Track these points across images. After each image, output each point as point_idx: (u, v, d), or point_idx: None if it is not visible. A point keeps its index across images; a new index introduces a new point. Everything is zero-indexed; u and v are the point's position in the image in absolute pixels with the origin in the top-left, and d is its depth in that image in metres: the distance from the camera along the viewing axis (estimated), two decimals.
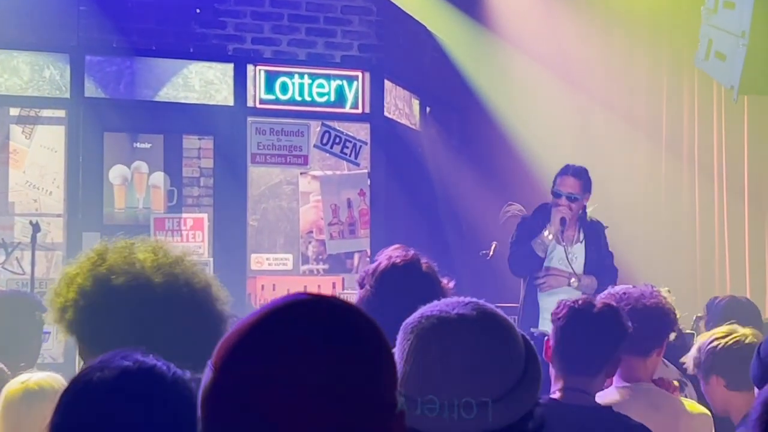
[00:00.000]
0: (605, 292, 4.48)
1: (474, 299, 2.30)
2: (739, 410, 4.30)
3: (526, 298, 7.73)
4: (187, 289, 3.06)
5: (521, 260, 7.70)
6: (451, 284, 4.08)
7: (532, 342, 2.31)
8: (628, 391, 4.27)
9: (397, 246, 4.21)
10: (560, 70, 10.59)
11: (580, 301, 3.89)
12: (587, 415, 3.69)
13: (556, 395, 3.76)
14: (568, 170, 7.73)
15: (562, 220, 7.58)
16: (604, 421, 3.69)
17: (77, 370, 2.67)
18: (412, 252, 4.09)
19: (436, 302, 2.23)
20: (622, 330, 3.87)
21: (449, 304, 2.24)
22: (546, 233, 7.65)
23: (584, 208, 7.78)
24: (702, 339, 4.56)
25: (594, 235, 7.78)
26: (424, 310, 2.19)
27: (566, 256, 7.63)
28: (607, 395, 4.15)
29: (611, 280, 7.58)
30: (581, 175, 7.71)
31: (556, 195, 7.64)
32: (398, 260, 4.01)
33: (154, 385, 2.33)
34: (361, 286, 4.06)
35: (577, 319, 3.81)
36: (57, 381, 3.94)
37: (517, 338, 2.24)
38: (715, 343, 4.42)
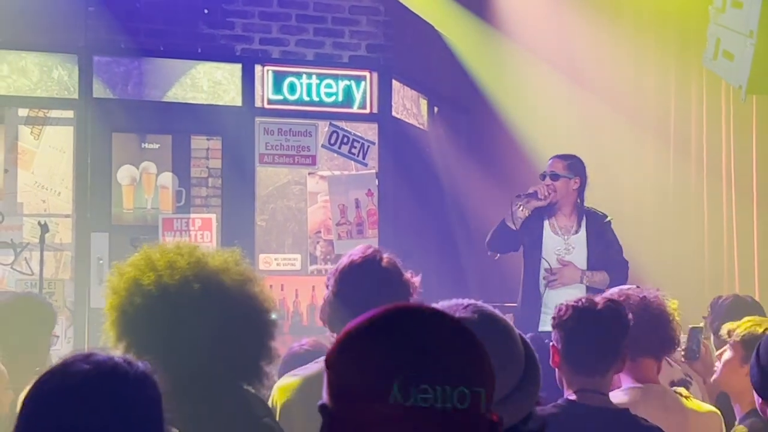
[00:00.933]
0: (607, 293, 4.48)
1: (473, 301, 2.31)
2: (750, 401, 4.29)
3: (525, 296, 7.74)
4: (255, 301, 3.19)
5: (495, 233, 7.88)
6: (416, 279, 4.14)
7: (530, 344, 2.32)
8: (639, 392, 4.27)
9: (366, 245, 4.27)
10: (568, 70, 10.58)
11: (582, 301, 3.88)
12: (605, 416, 3.69)
13: (573, 397, 3.75)
14: (556, 156, 7.98)
15: (533, 193, 7.73)
16: (621, 423, 3.69)
17: None
18: (372, 249, 4.17)
19: (437, 305, 2.23)
20: (626, 325, 3.87)
21: (450, 307, 2.25)
22: (519, 207, 7.74)
23: (580, 195, 7.81)
24: (758, 323, 4.54)
25: (596, 226, 7.80)
26: None
27: (562, 247, 7.70)
28: (618, 396, 4.15)
29: (622, 275, 7.62)
30: (567, 157, 7.91)
31: (542, 177, 7.83)
32: (357, 258, 4.10)
33: (116, 386, 2.33)
34: (327, 288, 4.15)
35: (583, 320, 3.80)
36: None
37: (517, 340, 2.25)
38: (751, 329, 4.42)
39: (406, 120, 10.28)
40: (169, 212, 9.19)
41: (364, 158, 9.66)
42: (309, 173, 9.70)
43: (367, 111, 9.72)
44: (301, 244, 9.69)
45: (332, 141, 9.57)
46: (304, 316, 9.35)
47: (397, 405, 1.51)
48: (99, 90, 9.07)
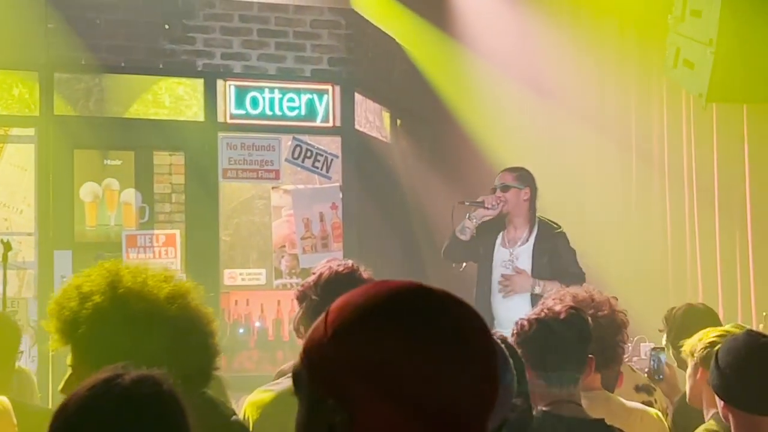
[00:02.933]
0: (552, 296, 4.41)
1: None
2: (712, 405, 4.31)
3: (477, 304, 7.75)
4: (196, 323, 3.19)
5: (448, 244, 7.99)
6: None
7: (506, 351, 2.32)
8: (584, 401, 4.27)
9: (332, 258, 4.30)
10: (530, 81, 10.63)
11: (543, 312, 3.85)
12: (584, 427, 3.67)
13: (546, 408, 3.72)
14: (505, 169, 8.10)
15: (480, 202, 7.82)
16: None
17: (51, 386, 2.71)
18: (351, 262, 4.20)
19: None
20: (590, 330, 3.87)
21: None
22: (468, 218, 7.82)
23: (531, 206, 7.84)
24: (710, 332, 4.56)
25: (545, 236, 7.81)
26: None
27: (508, 259, 7.74)
28: None
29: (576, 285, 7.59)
30: (517, 169, 7.99)
31: (493, 190, 7.92)
32: (340, 268, 4.12)
33: (155, 402, 2.36)
34: (302, 300, 4.14)
35: (551, 331, 3.78)
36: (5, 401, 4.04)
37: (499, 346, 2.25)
38: (711, 340, 4.44)
39: (369, 133, 10.29)
40: (132, 229, 9.15)
41: (327, 171, 9.65)
42: (273, 187, 9.68)
43: (330, 124, 9.71)
44: (266, 258, 9.67)
45: (296, 155, 9.55)
46: (269, 331, 9.33)
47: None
48: (60, 107, 9.03)
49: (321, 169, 9.64)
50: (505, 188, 7.81)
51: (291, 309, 9.25)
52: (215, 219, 9.39)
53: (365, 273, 4.19)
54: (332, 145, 9.70)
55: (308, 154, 9.59)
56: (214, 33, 9.36)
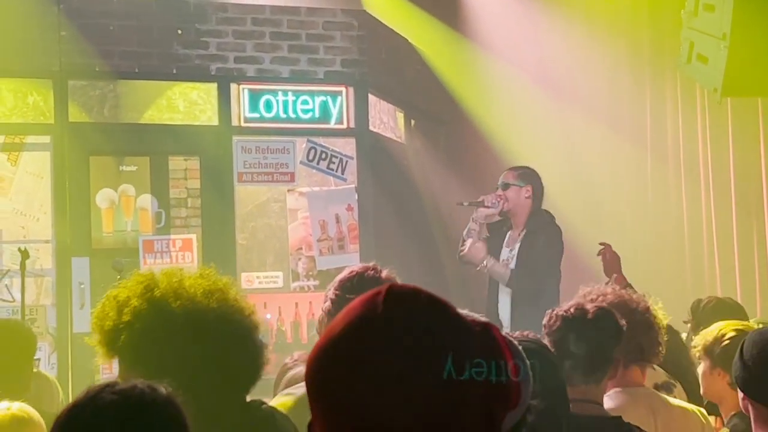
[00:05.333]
0: (588, 293, 4.39)
1: (466, 312, 2.31)
2: (731, 406, 4.31)
3: (487, 304, 7.73)
4: (236, 317, 3.18)
5: (460, 247, 7.87)
6: None
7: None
8: (626, 396, 4.26)
9: (366, 264, 4.31)
10: (543, 79, 10.61)
11: (572, 309, 3.84)
12: (599, 425, 3.66)
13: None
14: (509, 168, 8.02)
15: (480, 201, 7.76)
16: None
17: (71, 394, 2.73)
18: (373, 263, 4.20)
19: None
20: (619, 331, 3.85)
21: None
22: (472, 219, 7.80)
23: (534, 204, 7.78)
24: (722, 328, 4.54)
25: (533, 229, 7.70)
26: None
27: (508, 258, 7.71)
28: (604, 401, 4.13)
29: (549, 286, 7.52)
30: (519, 168, 7.94)
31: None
32: (356, 269, 4.14)
33: (145, 413, 2.36)
34: (324, 303, 4.16)
35: (574, 329, 3.77)
36: (34, 411, 4.06)
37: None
38: (727, 340, 4.42)
39: (384, 133, 10.29)
40: (149, 234, 9.17)
41: (342, 173, 9.65)
42: (288, 190, 9.69)
43: (344, 126, 9.72)
44: (283, 261, 9.67)
45: (310, 157, 9.56)
46: (288, 333, 9.33)
47: (451, 380, 1.52)
48: (75, 114, 9.05)
49: (336, 171, 9.65)
50: (506, 186, 7.75)
51: (309, 311, 9.26)
52: (231, 223, 9.40)
53: (386, 274, 4.19)
54: (347, 146, 9.70)
55: (323, 156, 9.59)
56: (226, 37, 9.37)
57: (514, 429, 2.13)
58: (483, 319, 2.20)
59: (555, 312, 3.84)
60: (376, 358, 1.53)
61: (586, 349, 3.75)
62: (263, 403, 3.35)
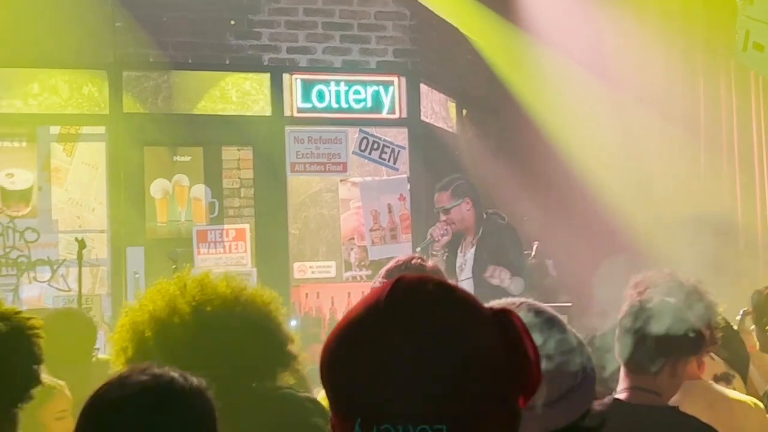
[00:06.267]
0: (647, 282, 4.36)
1: (526, 299, 2.31)
2: None
3: None
4: (259, 318, 3.35)
5: None
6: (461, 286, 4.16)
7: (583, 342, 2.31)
8: (682, 389, 4.23)
9: (412, 253, 4.36)
10: (595, 67, 10.55)
11: (635, 297, 3.83)
12: (655, 415, 3.65)
13: (622, 395, 3.71)
14: (437, 187, 8.08)
15: (430, 239, 7.87)
16: (672, 422, 3.65)
17: None
18: (418, 255, 4.24)
19: (490, 304, 2.23)
20: (680, 324, 3.82)
21: (502, 305, 2.25)
22: (433, 254, 7.90)
23: (478, 212, 7.84)
24: None
25: (488, 233, 7.77)
26: None
27: (462, 264, 7.79)
28: None
29: (508, 284, 7.52)
30: (447, 186, 7.99)
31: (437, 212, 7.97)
32: (403, 258, 4.17)
33: (173, 397, 2.39)
34: None
35: (638, 317, 3.75)
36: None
37: (572, 338, 2.25)
38: None
39: (435, 123, 10.28)
40: (203, 224, 9.23)
41: (395, 163, 9.66)
42: (340, 180, 9.71)
43: (397, 116, 9.72)
44: (335, 251, 9.69)
45: (363, 147, 9.57)
46: None
47: (455, 367, 1.51)
48: (129, 105, 9.12)
49: (388, 161, 9.65)
50: (446, 211, 7.84)
51: None
52: (284, 213, 9.44)
53: (431, 264, 4.22)
54: (399, 136, 9.70)
55: (375, 146, 9.60)
56: (279, 27, 9.40)
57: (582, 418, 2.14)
58: (505, 305, 2.21)
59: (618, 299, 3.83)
60: (375, 347, 1.53)
61: (645, 338, 3.73)
62: (288, 389, 3.40)
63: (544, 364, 2.11)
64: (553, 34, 10.53)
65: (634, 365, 3.72)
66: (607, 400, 3.65)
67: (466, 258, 7.82)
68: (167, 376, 2.41)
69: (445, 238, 7.77)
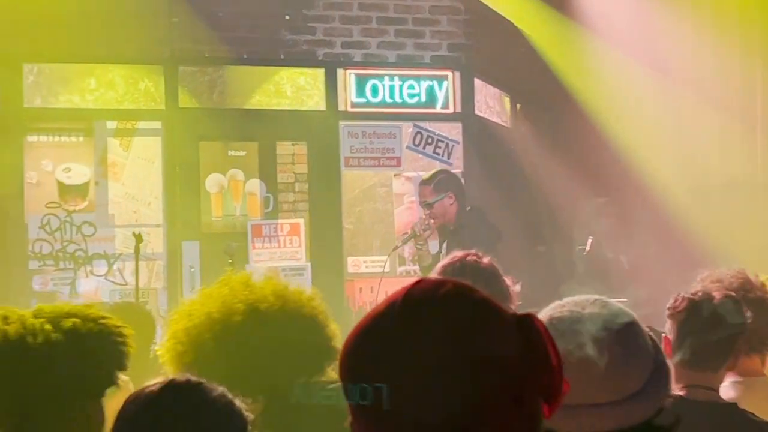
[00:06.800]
0: (712, 277, 4.31)
1: (599, 297, 2.31)
2: None
3: None
4: (303, 323, 3.43)
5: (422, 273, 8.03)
6: (516, 287, 4.15)
7: (656, 339, 2.30)
8: (742, 386, 4.19)
9: (467, 250, 4.32)
10: (650, 61, 10.47)
11: (699, 293, 3.79)
12: (714, 411, 3.62)
13: (681, 392, 3.68)
14: (421, 181, 8.07)
15: (411, 235, 7.91)
16: (730, 419, 3.62)
17: None
18: (474, 251, 4.21)
19: (563, 301, 2.24)
20: (743, 321, 3.79)
21: (576, 302, 2.25)
22: (417, 248, 7.94)
23: (461, 206, 7.85)
24: None
25: (460, 227, 7.79)
26: (553, 310, 2.20)
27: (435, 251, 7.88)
28: (722, 391, 4.07)
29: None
30: (431, 180, 7.95)
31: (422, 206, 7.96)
32: (459, 255, 4.16)
33: (194, 400, 2.51)
34: None
35: (698, 312, 3.72)
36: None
37: (645, 334, 2.24)
38: None
39: (490, 118, 10.26)
40: (257, 218, 9.27)
41: (448, 158, 9.65)
42: (394, 175, 9.72)
43: (451, 110, 9.71)
44: (389, 245, 9.68)
45: (416, 142, 9.58)
46: None
47: (466, 371, 1.52)
48: (185, 99, 9.17)
49: (442, 156, 9.65)
50: (429, 206, 7.78)
51: None
52: (338, 207, 9.46)
53: (487, 261, 4.20)
54: (453, 131, 9.70)
55: (429, 140, 9.61)
56: (333, 22, 9.42)
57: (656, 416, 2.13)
58: (575, 302, 2.20)
59: (681, 294, 3.79)
60: (387, 347, 1.55)
61: (708, 335, 3.70)
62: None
63: (616, 359, 2.11)
64: (608, 28, 10.46)
65: (695, 363, 3.69)
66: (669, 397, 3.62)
67: (441, 248, 7.82)
68: (206, 388, 2.54)
69: (427, 233, 7.76)
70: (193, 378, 2.57)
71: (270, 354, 3.29)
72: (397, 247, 8.20)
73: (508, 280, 4.21)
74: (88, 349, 2.84)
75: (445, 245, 7.79)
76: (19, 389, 2.77)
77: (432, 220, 7.75)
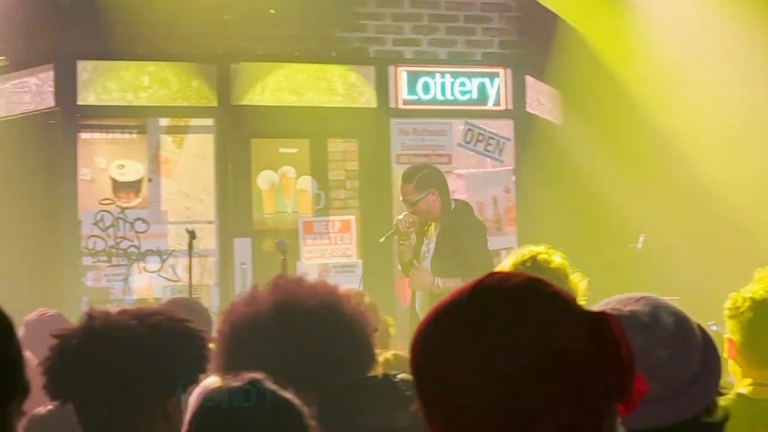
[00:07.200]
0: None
1: (646, 294, 2.30)
2: None
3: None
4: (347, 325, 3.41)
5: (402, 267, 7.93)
6: (582, 284, 4.14)
7: (709, 335, 2.28)
8: None
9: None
10: (709, 55, 10.35)
11: (761, 292, 3.75)
12: None
13: (744, 390, 3.65)
14: (402, 178, 7.89)
15: (395, 231, 7.75)
16: None
17: None
18: (543, 247, 4.18)
19: (610, 299, 2.23)
20: None
21: (622, 300, 2.24)
22: (400, 244, 7.80)
23: (445, 202, 7.71)
24: None
25: (447, 226, 7.63)
26: (598, 308, 2.19)
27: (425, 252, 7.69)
28: None
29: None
30: (410, 177, 7.76)
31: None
32: (527, 253, 4.13)
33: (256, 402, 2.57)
34: None
35: (759, 311, 3.68)
36: None
37: (695, 330, 2.23)
38: None
39: (541, 115, 10.22)
40: (309, 215, 9.29)
41: (500, 155, 9.64)
42: (445, 172, 9.68)
43: (502, 108, 9.70)
44: None
45: (468, 139, 9.57)
46: None
47: (531, 368, 1.53)
48: (237, 97, 9.21)
49: (493, 153, 9.64)
50: (412, 204, 7.65)
51: None
52: (389, 204, 9.45)
53: (558, 259, 4.18)
54: (504, 128, 9.68)
55: (480, 138, 9.59)
56: (385, 20, 9.43)
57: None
58: (624, 300, 2.19)
59: (741, 293, 3.75)
60: (454, 341, 1.55)
61: None
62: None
63: (663, 355, 2.10)
64: (664, 25, 10.37)
65: (764, 361, 3.66)
66: (730, 394, 3.60)
67: (429, 247, 7.72)
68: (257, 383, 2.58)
69: (412, 229, 7.69)
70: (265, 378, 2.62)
71: (319, 349, 3.30)
72: (381, 240, 8.14)
73: (575, 277, 4.20)
74: (171, 346, 2.87)
75: (432, 244, 7.69)
76: (105, 382, 2.79)
77: (415, 217, 7.67)
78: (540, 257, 4.17)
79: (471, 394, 1.52)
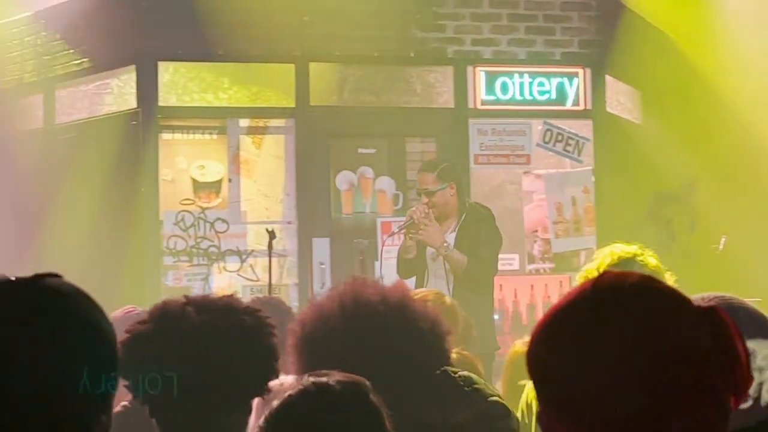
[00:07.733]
0: None
1: (719, 294, 2.28)
2: None
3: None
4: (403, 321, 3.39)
5: (397, 265, 7.88)
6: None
7: None
8: None
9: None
10: None
11: None
12: None
13: None
14: (422, 167, 7.89)
15: (410, 221, 7.62)
16: None
17: None
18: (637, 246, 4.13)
19: None
20: None
21: (695, 300, 2.22)
22: (408, 237, 7.70)
23: (461, 198, 7.68)
24: None
25: (471, 222, 7.58)
26: None
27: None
28: None
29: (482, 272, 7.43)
30: (432, 167, 7.75)
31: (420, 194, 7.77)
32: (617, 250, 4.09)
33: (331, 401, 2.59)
34: None
35: None
36: None
37: None
38: None
39: (621, 115, 10.14)
40: (387, 216, 9.30)
41: (579, 155, 9.58)
42: (524, 172, 9.67)
43: (581, 107, 9.64)
44: (519, 243, 9.64)
45: (546, 139, 9.52)
46: (523, 316, 9.32)
47: (656, 361, 1.53)
48: (315, 97, 9.25)
49: (572, 153, 9.58)
50: (430, 193, 7.57)
51: (544, 294, 9.24)
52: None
53: (654, 261, 4.17)
54: (583, 128, 9.62)
55: (559, 138, 9.55)
56: (464, 20, 9.42)
57: None
58: (697, 299, 2.17)
59: None
60: (581, 340, 1.54)
61: None
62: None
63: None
64: (746, 17, 10.22)
65: None
66: None
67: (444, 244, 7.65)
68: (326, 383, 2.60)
69: (426, 221, 7.60)
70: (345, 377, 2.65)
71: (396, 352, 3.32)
72: (393, 233, 8.10)
73: (668, 277, 4.19)
74: (249, 341, 2.89)
75: (452, 237, 7.64)
76: (186, 372, 2.82)
77: (431, 209, 7.63)
78: (638, 258, 4.16)
79: (594, 396, 1.52)
